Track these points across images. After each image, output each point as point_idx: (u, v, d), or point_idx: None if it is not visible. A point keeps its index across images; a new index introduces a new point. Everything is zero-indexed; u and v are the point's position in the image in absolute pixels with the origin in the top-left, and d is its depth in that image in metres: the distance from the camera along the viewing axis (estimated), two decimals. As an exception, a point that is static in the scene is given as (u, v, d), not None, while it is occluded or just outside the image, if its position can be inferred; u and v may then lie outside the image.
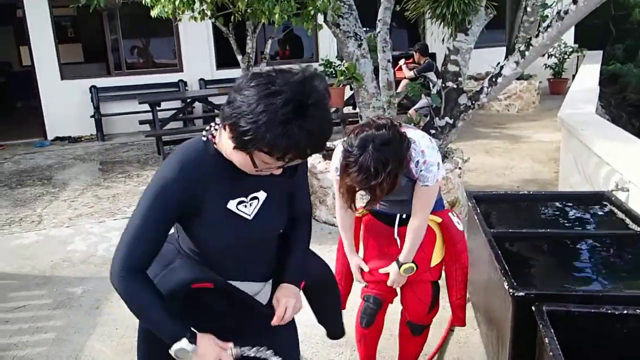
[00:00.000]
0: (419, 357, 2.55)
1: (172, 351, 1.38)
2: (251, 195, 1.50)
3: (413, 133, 2.09)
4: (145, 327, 1.51)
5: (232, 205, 1.47)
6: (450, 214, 2.32)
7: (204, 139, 1.44)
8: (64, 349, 3.05)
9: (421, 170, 2.07)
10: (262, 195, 1.52)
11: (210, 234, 1.46)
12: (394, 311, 2.45)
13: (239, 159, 1.37)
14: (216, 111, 7.53)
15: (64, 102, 8.90)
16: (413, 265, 2.21)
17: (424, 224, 2.19)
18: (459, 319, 2.43)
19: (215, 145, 1.43)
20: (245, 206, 1.49)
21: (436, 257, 2.30)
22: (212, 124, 1.45)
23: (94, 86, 8.97)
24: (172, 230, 1.51)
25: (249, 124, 1.25)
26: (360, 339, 2.49)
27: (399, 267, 2.21)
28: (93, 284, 3.79)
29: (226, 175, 1.44)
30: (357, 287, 2.44)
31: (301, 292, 1.67)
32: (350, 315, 2.41)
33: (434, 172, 2.08)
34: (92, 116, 8.87)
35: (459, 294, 2.38)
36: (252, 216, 1.50)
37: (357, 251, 2.40)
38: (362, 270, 2.35)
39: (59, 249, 4.47)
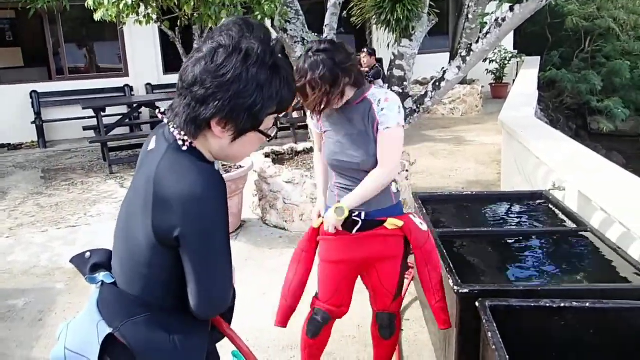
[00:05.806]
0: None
1: None
2: None
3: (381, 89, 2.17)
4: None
5: None
6: (411, 216, 2.25)
7: (185, 148, 1.22)
8: (5, 364, 2.94)
9: (382, 109, 2.04)
10: None
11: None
12: (348, 314, 2.46)
13: (241, 146, 1.23)
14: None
15: (2, 108, 8.56)
16: (344, 206, 2.09)
17: (384, 177, 2.07)
18: (443, 322, 2.21)
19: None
20: None
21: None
22: (177, 135, 1.22)
23: (34, 91, 8.66)
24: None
25: (252, 94, 1.14)
26: (304, 348, 2.44)
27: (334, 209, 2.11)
28: (35, 296, 3.66)
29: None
30: (306, 299, 2.43)
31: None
32: (299, 321, 2.43)
33: (395, 112, 2.04)
34: (33, 122, 8.56)
35: (437, 297, 2.20)
36: None
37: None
38: (317, 297, 2.35)
39: (-2, 260, 4.28)
